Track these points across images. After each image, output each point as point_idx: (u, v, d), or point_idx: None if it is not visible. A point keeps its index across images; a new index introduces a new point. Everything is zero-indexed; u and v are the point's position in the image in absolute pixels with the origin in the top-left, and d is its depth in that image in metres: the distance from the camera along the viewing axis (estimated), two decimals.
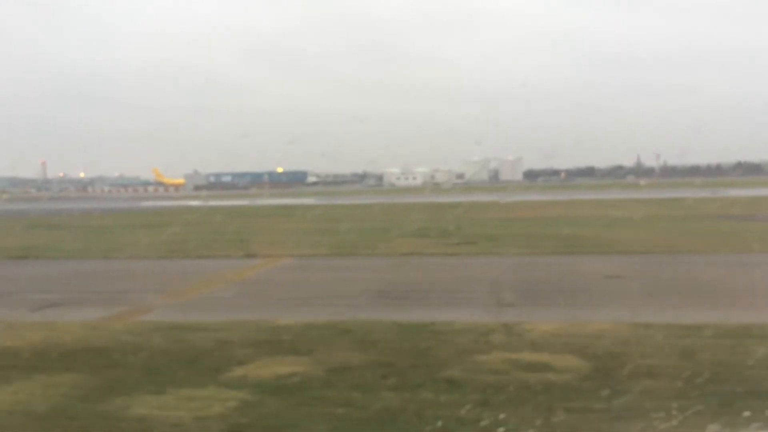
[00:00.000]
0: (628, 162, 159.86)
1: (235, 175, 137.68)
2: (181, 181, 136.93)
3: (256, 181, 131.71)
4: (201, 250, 22.62)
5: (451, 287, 14.96)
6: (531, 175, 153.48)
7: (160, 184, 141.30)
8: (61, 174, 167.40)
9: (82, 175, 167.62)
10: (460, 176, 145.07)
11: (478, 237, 24.45)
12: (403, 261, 19.37)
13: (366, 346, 9.06)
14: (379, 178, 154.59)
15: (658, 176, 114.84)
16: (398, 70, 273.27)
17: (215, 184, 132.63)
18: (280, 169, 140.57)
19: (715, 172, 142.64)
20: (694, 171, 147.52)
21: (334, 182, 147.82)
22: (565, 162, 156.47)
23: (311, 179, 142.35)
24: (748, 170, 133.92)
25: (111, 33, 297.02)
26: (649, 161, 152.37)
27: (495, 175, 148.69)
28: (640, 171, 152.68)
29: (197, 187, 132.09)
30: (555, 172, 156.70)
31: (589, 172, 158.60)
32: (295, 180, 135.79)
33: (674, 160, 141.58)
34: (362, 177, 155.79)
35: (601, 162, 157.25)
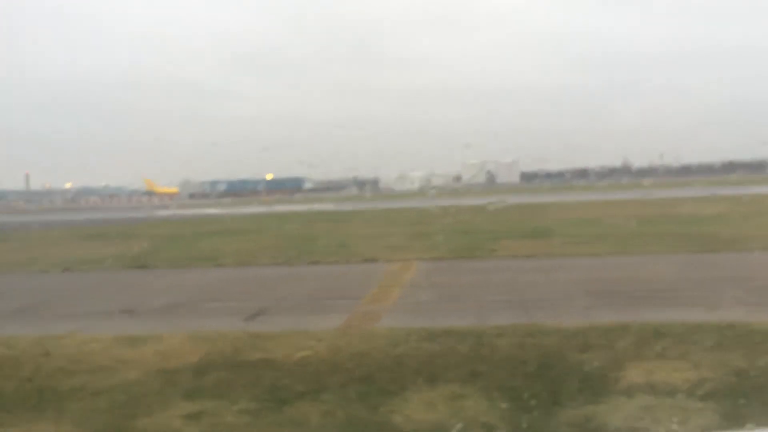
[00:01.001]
0: (617, 163, 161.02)
1: (230, 183, 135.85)
2: (174, 189, 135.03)
3: (254, 188, 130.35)
4: (310, 256, 21.77)
5: (655, 287, 14.28)
6: (525, 177, 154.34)
7: (151, 193, 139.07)
8: (48, 185, 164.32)
9: (68, 185, 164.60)
10: (458, 179, 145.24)
11: (582, 237, 24.02)
12: (549, 262, 18.75)
13: (715, 350, 8.49)
14: (375, 182, 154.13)
15: (661, 176, 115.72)
16: (385, 73, 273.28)
17: (212, 192, 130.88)
18: (269, 176, 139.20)
19: (707, 171, 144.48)
20: (686, 170, 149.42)
21: (329, 188, 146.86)
22: (554, 164, 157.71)
23: (308, 185, 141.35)
24: (737, 168, 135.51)
25: (88, 40, 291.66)
26: (638, 162, 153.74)
27: (492, 178, 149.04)
28: (634, 171, 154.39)
29: (192, 196, 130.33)
30: (549, 174, 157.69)
31: (582, 173, 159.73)
32: (292, 186, 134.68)
33: (658, 160, 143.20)
34: (355, 182, 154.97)
35: (588, 164, 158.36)
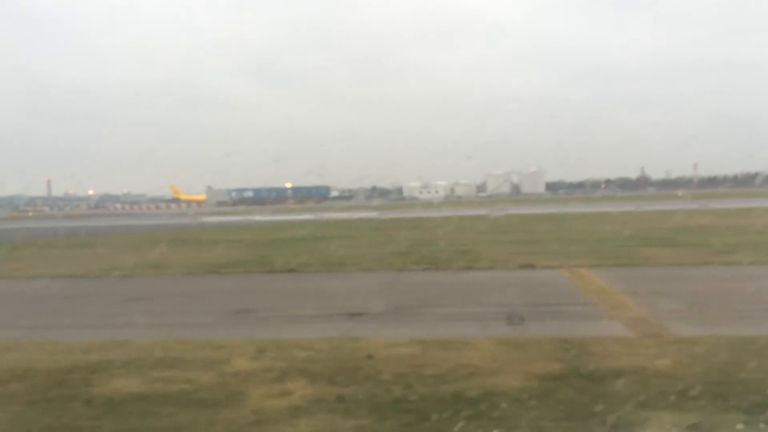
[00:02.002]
0: (628, 174, 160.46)
1: (256, 191, 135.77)
2: (202, 197, 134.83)
3: (280, 196, 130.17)
4: (450, 262, 20.87)
5: None
6: (549, 187, 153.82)
7: (177, 200, 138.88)
8: (71, 191, 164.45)
9: (91, 192, 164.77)
10: (482, 189, 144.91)
11: (713, 247, 22.85)
12: (726, 270, 17.89)
13: None
14: (398, 191, 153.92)
15: (695, 187, 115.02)
16: (391, 85, 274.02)
17: (240, 200, 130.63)
18: (288, 185, 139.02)
19: (732, 182, 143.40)
20: (712, 182, 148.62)
21: (352, 196, 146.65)
22: (563, 174, 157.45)
23: (334, 194, 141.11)
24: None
25: (93, 48, 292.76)
26: (654, 173, 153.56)
27: (516, 188, 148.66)
28: (654, 182, 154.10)
29: (220, 203, 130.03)
30: (571, 185, 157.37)
31: (606, 184, 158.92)
32: (318, 194, 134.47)
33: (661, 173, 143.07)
34: (375, 191, 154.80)
35: (596, 174, 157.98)
